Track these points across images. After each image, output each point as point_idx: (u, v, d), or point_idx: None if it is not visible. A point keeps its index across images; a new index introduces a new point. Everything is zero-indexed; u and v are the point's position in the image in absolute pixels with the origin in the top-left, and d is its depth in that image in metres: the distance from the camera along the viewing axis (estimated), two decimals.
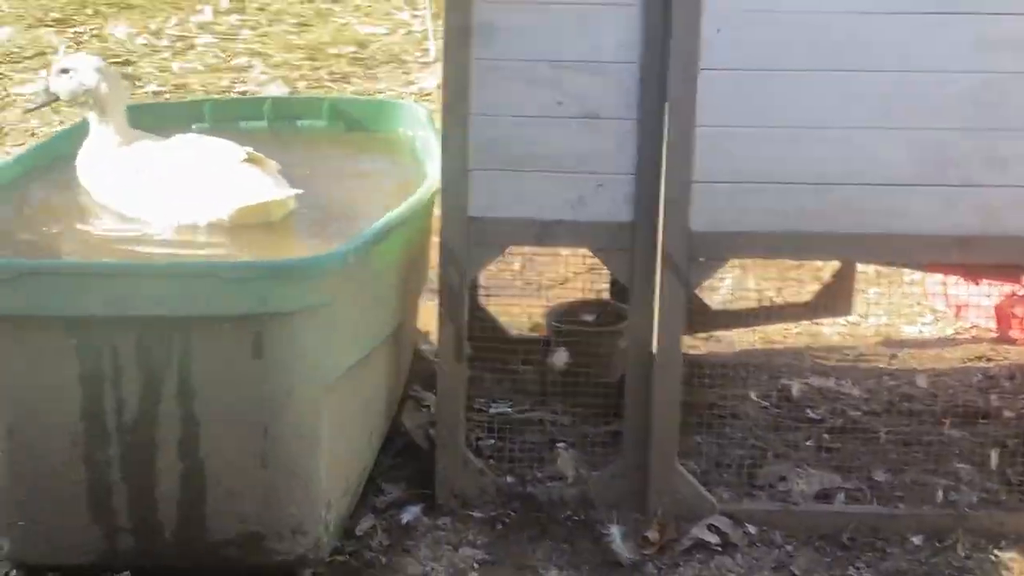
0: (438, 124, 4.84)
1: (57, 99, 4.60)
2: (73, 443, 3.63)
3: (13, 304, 3.59)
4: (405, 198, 4.11)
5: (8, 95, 7.89)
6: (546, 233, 4.02)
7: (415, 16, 9.40)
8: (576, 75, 3.90)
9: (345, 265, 3.65)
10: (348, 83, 8.21)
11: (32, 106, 4.83)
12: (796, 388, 4.84)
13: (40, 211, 4.31)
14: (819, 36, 3.86)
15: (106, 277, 3.61)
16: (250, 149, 4.26)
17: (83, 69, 4.49)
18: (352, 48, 8.74)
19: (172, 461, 3.63)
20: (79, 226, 4.18)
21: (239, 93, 7.96)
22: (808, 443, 4.52)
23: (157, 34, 8.97)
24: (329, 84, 8.16)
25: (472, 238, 4.00)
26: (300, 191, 4.18)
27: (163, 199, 4.19)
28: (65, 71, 4.53)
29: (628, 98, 3.90)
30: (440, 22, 4.10)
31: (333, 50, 8.70)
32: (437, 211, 4.14)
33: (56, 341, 3.61)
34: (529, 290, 5.13)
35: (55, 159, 4.57)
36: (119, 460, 3.64)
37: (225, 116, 4.94)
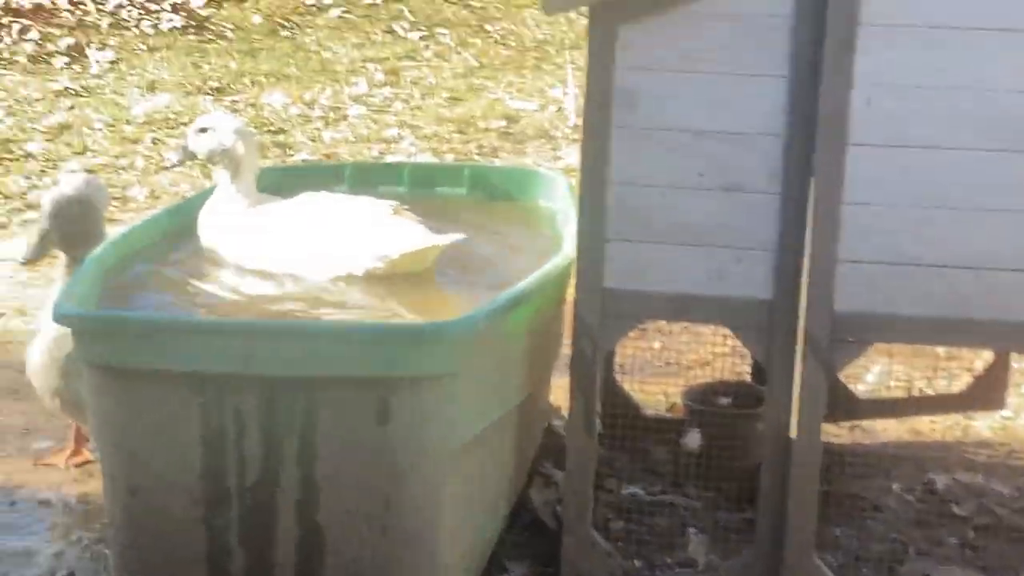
0: None
1: (194, 157, 4.62)
2: (193, 502, 3.58)
3: (142, 358, 3.58)
4: (540, 267, 4.02)
5: (163, 160, 7.99)
6: (683, 308, 3.90)
7: (567, 93, 9.37)
8: (719, 145, 3.79)
9: (476, 332, 3.57)
10: (496, 157, 8.19)
11: (168, 164, 4.85)
12: (942, 483, 4.64)
13: (177, 268, 4.30)
14: (983, 112, 3.68)
15: (233, 335, 3.58)
16: (395, 202, 4.26)
17: (222, 129, 4.52)
18: (502, 122, 8.73)
19: (290, 526, 3.56)
20: (212, 284, 4.16)
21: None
22: (953, 540, 4.31)
23: (311, 104, 9.04)
24: (477, 157, 8.14)
25: (607, 310, 3.89)
26: (462, 236, 4.17)
27: (312, 252, 4.17)
28: (204, 130, 4.56)
29: (772, 170, 3.78)
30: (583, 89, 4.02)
31: (483, 124, 8.70)
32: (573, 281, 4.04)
33: (182, 397, 3.58)
34: (668, 369, 5.00)
35: (192, 219, 4.58)
36: (238, 522, 3.57)
37: (365, 180, 4.91)
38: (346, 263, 4.15)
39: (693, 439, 4.37)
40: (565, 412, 4.59)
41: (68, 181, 4.57)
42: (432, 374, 3.55)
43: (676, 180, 3.82)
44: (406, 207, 4.28)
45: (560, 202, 4.66)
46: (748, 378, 4.86)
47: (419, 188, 4.90)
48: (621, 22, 3.74)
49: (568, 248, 4.11)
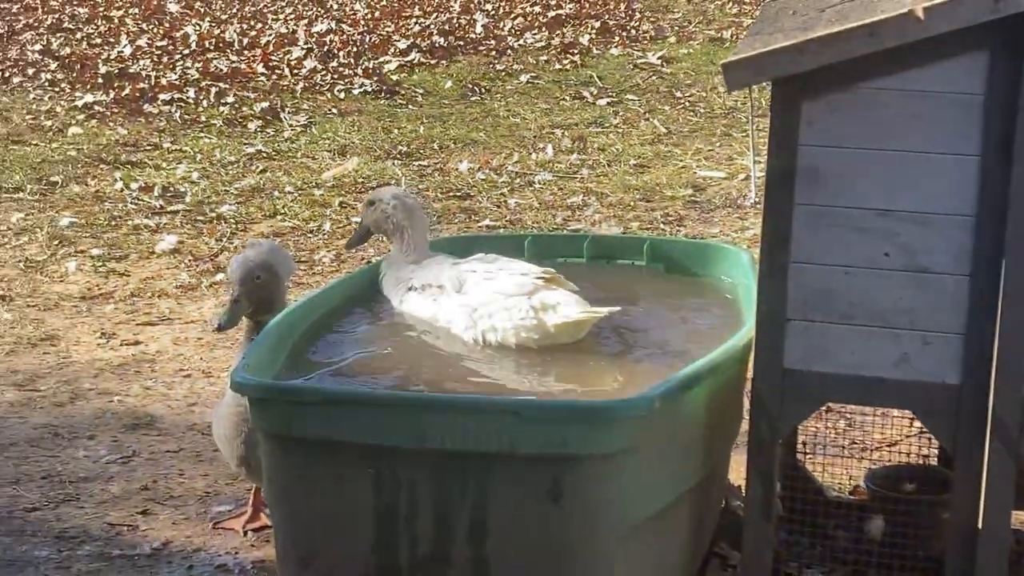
0: None
1: (369, 232, 4.71)
2: None
3: (316, 429, 3.60)
4: (719, 344, 3.95)
5: (349, 223, 8.10)
6: (866, 391, 3.79)
7: (757, 162, 9.27)
8: (905, 226, 3.69)
9: (652, 410, 3.51)
10: (682, 226, 8.12)
11: (349, 244, 4.92)
12: None
13: (355, 334, 4.33)
14: None
15: (407, 409, 3.58)
16: (549, 269, 4.27)
17: (384, 199, 4.64)
18: (689, 191, 8.66)
19: None
20: (386, 352, 4.17)
21: (571, 232, 7.96)
22: None
23: (498, 170, 9.09)
24: (663, 226, 8.08)
25: (786, 391, 3.80)
26: (616, 308, 4.16)
27: (467, 320, 4.19)
28: (371, 204, 4.70)
29: (961, 252, 3.66)
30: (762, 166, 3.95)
31: (669, 192, 8.64)
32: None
33: (355, 470, 3.58)
34: (853, 449, 4.87)
35: (371, 285, 4.62)
36: None
37: (545, 251, 4.88)
38: (499, 333, 4.15)
39: (876, 525, 4.23)
40: (743, 490, 4.50)
41: (253, 247, 4.65)
42: (606, 453, 3.51)
43: (860, 260, 3.72)
44: (560, 275, 4.27)
45: (741, 277, 4.58)
46: (935, 461, 4.69)
47: (598, 260, 4.86)
48: (804, 98, 3.67)
49: (749, 325, 4.02)
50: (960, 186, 3.63)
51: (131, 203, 8.42)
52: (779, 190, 3.72)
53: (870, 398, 3.83)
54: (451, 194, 8.65)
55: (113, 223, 8.09)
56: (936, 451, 4.71)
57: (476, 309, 4.20)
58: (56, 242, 7.76)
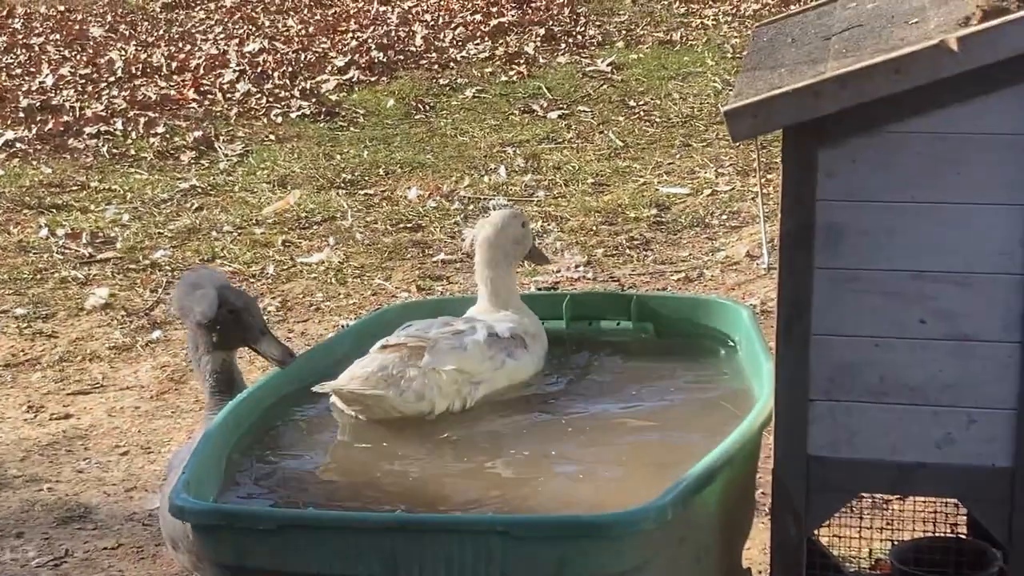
0: (761, 328, 4.19)
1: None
2: None
3: (271, 559, 3.09)
4: (730, 426, 3.45)
5: (295, 265, 7.54)
6: (903, 478, 3.29)
7: (720, 174, 8.77)
8: (943, 288, 3.19)
9: (663, 520, 3.01)
10: (649, 250, 7.61)
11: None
12: None
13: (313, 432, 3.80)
14: None
15: (372, 532, 3.06)
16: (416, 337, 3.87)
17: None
18: (653, 211, 8.14)
19: None
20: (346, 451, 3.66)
21: (544, 288, 7.42)
22: None
23: (449, 196, 8.54)
24: (629, 251, 7.57)
25: (812, 482, 3.30)
26: (378, 392, 3.75)
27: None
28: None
29: (1008, 317, 3.17)
30: (772, 223, 3.44)
31: (632, 212, 8.12)
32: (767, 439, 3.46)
33: None
34: (874, 514, 4.38)
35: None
36: None
37: None
38: None
39: None
40: (756, 573, 4.02)
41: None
42: (613, 573, 3.00)
43: (891, 330, 3.22)
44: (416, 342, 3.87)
45: (743, 337, 4.06)
46: (964, 530, 4.21)
47: (579, 321, 4.32)
48: (821, 146, 3.16)
49: (763, 400, 3.52)
50: (1006, 241, 3.13)
51: (57, 252, 7.81)
52: (796, 252, 3.21)
53: (908, 486, 3.34)
54: (401, 226, 8.10)
55: (38, 276, 7.49)
56: (965, 518, 4.23)
57: None
58: None
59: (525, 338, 4.04)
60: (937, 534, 4.19)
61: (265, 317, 6.68)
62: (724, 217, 8.06)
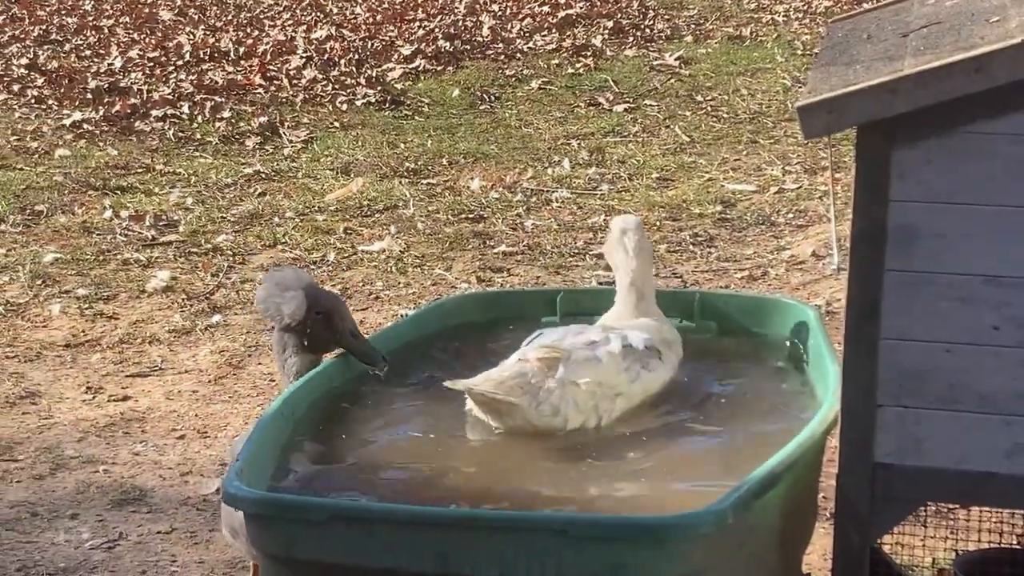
0: (827, 328, 4.11)
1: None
2: None
3: (321, 552, 3.05)
4: (790, 431, 3.37)
5: (356, 253, 7.51)
6: (974, 488, 3.21)
7: (787, 172, 8.67)
8: (1018, 294, 3.10)
9: (723, 525, 2.94)
10: (713, 246, 7.52)
11: None
12: None
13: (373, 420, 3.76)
14: None
15: (427, 527, 3.01)
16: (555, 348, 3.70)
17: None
18: (718, 207, 8.06)
19: None
20: (407, 443, 3.60)
21: (595, 256, 7.37)
22: None
23: (512, 188, 8.48)
24: (692, 248, 7.49)
25: (877, 490, 3.22)
26: (512, 399, 3.57)
27: None
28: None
29: None
30: (843, 224, 3.36)
31: (697, 208, 8.04)
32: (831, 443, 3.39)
33: None
34: (937, 521, 4.28)
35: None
36: None
37: (578, 307, 4.28)
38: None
39: None
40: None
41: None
42: None
43: (964, 336, 3.14)
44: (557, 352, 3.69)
45: (808, 338, 3.97)
46: None
47: None
48: (896, 146, 3.08)
49: (828, 404, 3.43)
50: None
51: (120, 234, 7.82)
52: (867, 254, 3.13)
53: (978, 496, 3.26)
54: (463, 216, 8.05)
55: (101, 258, 7.50)
56: None
57: None
58: (39, 281, 7.17)
59: (661, 347, 3.86)
60: (1003, 545, 4.11)
61: None
62: (790, 215, 7.96)
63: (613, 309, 4.03)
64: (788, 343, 4.08)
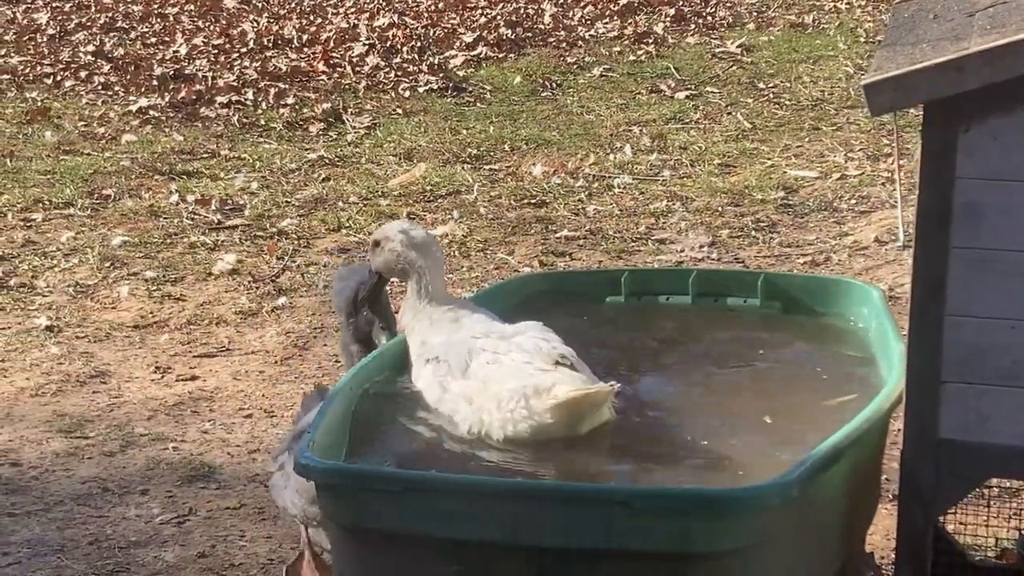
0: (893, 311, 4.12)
1: (383, 279, 4.12)
2: None
3: (391, 521, 3.11)
4: (857, 406, 3.39)
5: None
6: None
7: (850, 159, 8.66)
8: None
9: (788, 498, 2.97)
10: (775, 232, 7.53)
11: (362, 301, 4.20)
12: None
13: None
14: None
15: (495, 498, 3.06)
16: (565, 350, 3.62)
17: (391, 236, 4.02)
18: (780, 193, 8.06)
19: None
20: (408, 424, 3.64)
21: (657, 242, 7.39)
22: None
23: (574, 174, 8.52)
24: (755, 234, 7.50)
25: (942, 466, 3.24)
26: (617, 386, 3.49)
27: (467, 403, 3.61)
28: (377, 244, 4.07)
29: None
30: (907, 211, 3.39)
31: (759, 195, 8.05)
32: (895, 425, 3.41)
33: (437, 569, 3.08)
34: (1001, 502, 4.29)
35: None
36: None
37: (644, 288, 4.32)
38: (485, 426, 3.53)
39: None
40: (878, 559, 3.97)
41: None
42: (734, 549, 2.97)
43: None
44: (573, 356, 3.60)
45: (872, 319, 3.99)
46: None
47: (705, 298, 4.27)
48: (962, 124, 3.10)
49: (892, 383, 3.45)
50: None
51: (187, 218, 7.92)
52: (933, 231, 3.16)
53: None
54: (525, 201, 8.10)
55: (168, 241, 7.61)
56: None
57: (473, 401, 3.58)
58: (108, 264, 7.27)
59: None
60: None
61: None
62: (853, 202, 7.96)
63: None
64: (853, 323, 4.10)
